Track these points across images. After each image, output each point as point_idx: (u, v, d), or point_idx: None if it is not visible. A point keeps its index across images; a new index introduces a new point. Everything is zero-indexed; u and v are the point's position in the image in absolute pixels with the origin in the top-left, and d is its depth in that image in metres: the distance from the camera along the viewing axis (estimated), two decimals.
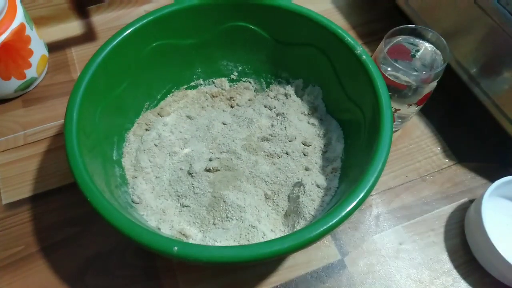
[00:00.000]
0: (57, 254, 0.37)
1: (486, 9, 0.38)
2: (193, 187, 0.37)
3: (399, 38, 0.40)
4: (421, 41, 0.39)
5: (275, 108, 0.43)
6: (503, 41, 0.38)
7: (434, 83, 0.38)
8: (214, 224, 0.36)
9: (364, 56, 0.36)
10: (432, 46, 0.39)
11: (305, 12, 0.39)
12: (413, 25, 0.39)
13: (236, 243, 0.34)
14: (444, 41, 0.38)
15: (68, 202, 0.40)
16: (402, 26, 0.39)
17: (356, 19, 0.55)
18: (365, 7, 0.56)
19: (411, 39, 0.40)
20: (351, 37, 0.37)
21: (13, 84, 0.44)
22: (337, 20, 0.54)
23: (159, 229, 0.35)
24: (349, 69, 0.38)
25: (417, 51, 0.39)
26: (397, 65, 0.36)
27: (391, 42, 0.40)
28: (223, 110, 0.44)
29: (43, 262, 0.37)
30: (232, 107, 0.45)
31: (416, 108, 0.40)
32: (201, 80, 0.45)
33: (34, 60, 0.45)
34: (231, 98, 0.45)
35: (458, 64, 0.44)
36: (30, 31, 0.44)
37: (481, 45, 0.40)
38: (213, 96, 0.45)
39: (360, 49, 0.36)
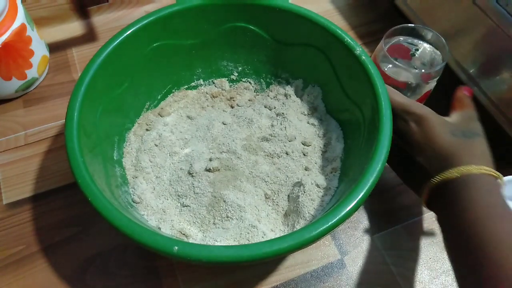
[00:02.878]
0: (57, 254, 0.37)
1: (485, 10, 0.38)
2: (193, 187, 0.37)
3: (399, 38, 0.40)
4: (420, 41, 0.40)
5: (275, 108, 0.43)
6: (502, 41, 0.38)
7: (433, 82, 0.38)
8: (214, 223, 0.36)
9: (363, 57, 0.36)
10: (431, 45, 0.39)
11: (305, 13, 0.39)
12: (412, 25, 0.39)
13: (236, 243, 0.34)
14: (443, 40, 0.38)
15: (68, 202, 0.40)
16: (401, 25, 0.39)
17: (355, 20, 0.55)
18: (365, 7, 0.57)
19: (410, 39, 0.40)
20: (350, 37, 0.37)
21: (14, 84, 0.45)
22: (337, 21, 0.55)
23: (159, 228, 0.35)
24: (348, 69, 0.38)
25: (417, 50, 0.39)
26: (397, 62, 0.37)
27: (390, 41, 0.40)
28: (223, 110, 0.44)
29: (43, 262, 0.37)
30: (232, 107, 0.45)
31: None
32: (201, 80, 0.46)
33: (35, 60, 0.45)
34: (231, 98, 0.45)
35: (457, 64, 0.44)
36: (31, 32, 0.44)
37: (480, 45, 0.40)
38: (213, 96, 0.45)
39: (360, 49, 0.36)
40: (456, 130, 0.33)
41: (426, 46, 0.39)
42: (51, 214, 0.40)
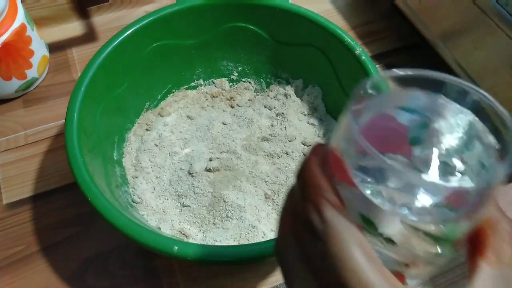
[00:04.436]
0: (57, 254, 0.37)
1: (485, 9, 0.38)
2: (193, 187, 0.37)
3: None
4: (445, 101, 0.17)
5: (275, 108, 0.43)
6: (501, 41, 0.38)
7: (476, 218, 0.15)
8: (214, 223, 0.36)
9: (363, 57, 0.36)
10: (472, 116, 0.16)
11: (305, 13, 0.39)
12: (430, 72, 0.16)
13: (236, 243, 0.34)
14: (503, 111, 0.15)
15: (68, 202, 0.40)
16: (395, 71, 0.16)
17: (355, 20, 0.55)
18: (365, 7, 0.57)
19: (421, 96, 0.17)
20: (350, 37, 0.37)
21: (14, 84, 0.44)
22: (337, 21, 0.55)
23: (159, 228, 0.35)
24: (348, 69, 0.38)
25: (424, 126, 0.16)
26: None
27: (364, 109, 0.16)
28: (223, 110, 0.44)
29: (43, 262, 0.37)
30: (232, 107, 0.45)
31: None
32: (201, 80, 0.46)
33: (35, 60, 0.45)
34: (231, 98, 0.45)
35: (457, 64, 0.44)
36: (31, 32, 0.44)
37: (480, 45, 0.40)
38: (213, 96, 0.45)
39: (360, 49, 0.36)
40: None
41: (461, 118, 0.16)
42: (51, 214, 0.40)
